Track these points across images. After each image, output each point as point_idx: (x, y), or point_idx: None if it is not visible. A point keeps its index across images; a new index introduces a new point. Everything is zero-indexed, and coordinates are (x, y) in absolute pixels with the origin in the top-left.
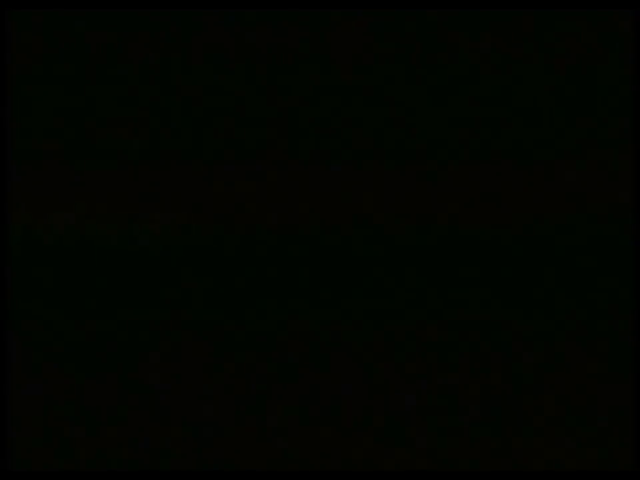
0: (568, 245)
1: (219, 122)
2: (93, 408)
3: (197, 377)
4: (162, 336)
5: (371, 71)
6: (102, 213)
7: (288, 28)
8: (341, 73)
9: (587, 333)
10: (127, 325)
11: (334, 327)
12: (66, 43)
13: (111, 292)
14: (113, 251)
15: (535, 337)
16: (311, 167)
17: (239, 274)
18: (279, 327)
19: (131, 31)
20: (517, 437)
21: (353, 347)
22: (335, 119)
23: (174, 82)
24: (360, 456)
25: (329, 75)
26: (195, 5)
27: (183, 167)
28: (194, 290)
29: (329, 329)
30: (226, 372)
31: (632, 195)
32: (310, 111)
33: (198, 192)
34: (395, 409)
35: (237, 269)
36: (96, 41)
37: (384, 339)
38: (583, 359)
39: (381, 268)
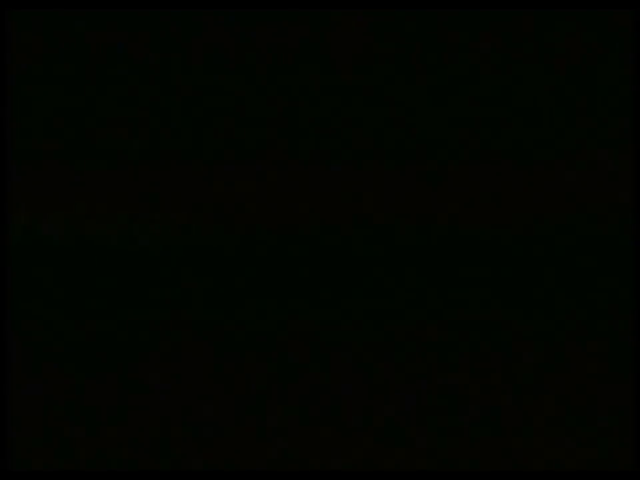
0: (568, 245)
1: (219, 122)
2: (92, 408)
3: (197, 376)
4: (162, 336)
5: (371, 70)
6: (102, 213)
7: (288, 28)
8: (341, 72)
9: (587, 333)
10: (126, 325)
11: (334, 327)
12: (66, 42)
13: (111, 292)
14: (112, 251)
15: (535, 336)
16: (310, 166)
17: (239, 274)
18: (278, 326)
19: (131, 30)
20: (517, 436)
21: (353, 346)
22: (335, 119)
23: (174, 82)
24: (360, 456)
25: (329, 74)
26: (194, 4)
27: (182, 167)
28: (194, 290)
29: (328, 329)
30: (226, 372)
31: (632, 195)
32: (310, 110)
33: (198, 192)
34: (395, 409)
35: (237, 268)
36: (96, 41)
37: (384, 339)
38: (583, 359)
39: (380, 268)
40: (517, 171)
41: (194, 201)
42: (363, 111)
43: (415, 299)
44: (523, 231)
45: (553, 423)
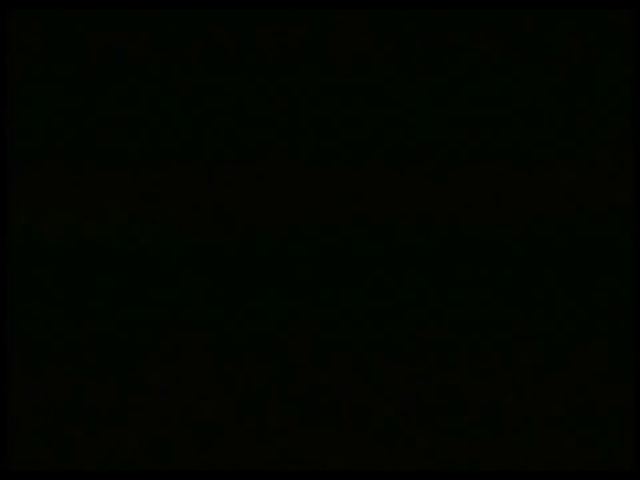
0: (568, 245)
1: (219, 122)
2: (92, 408)
3: (197, 376)
4: (162, 336)
5: (371, 70)
6: (102, 213)
7: (288, 28)
8: (341, 72)
9: (587, 333)
10: (126, 325)
11: (334, 327)
12: (66, 42)
13: (111, 292)
14: (112, 251)
15: (535, 336)
16: (310, 166)
17: (239, 274)
18: (278, 326)
19: (131, 30)
20: (517, 436)
21: (353, 346)
22: (335, 119)
23: (174, 82)
24: (360, 456)
25: (329, 74)
26: (195, 4)
27: (182, 167)
28: (194, 290)
29: (329, 329)
30: (226, 372)
31: (632, 195)
32: (310, 110)
33: (198, 192)
34: (395, 409)
35: (237, 268)
36: (96, 41)
37: (384, 339)
38: (583, 359)
39: (380, 268)
40: (517, 170)
41: (194, 201)
42: (363, 110)
43: (414, 299)
44: (523, 231)
45: (553, 422)
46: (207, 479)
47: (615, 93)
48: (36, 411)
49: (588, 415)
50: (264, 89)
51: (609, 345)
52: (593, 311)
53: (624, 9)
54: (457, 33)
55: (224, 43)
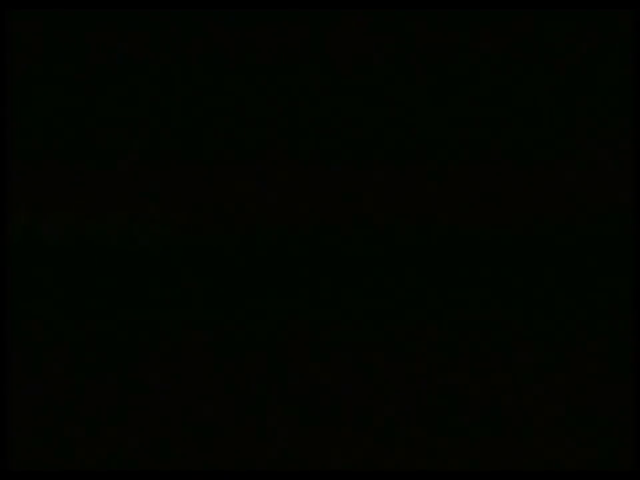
0: (568, 245)
1: (219, 122)
2: (93, 408)
3: (197, 376)
4: (162, 336)
5: (371, 70)
6: (102, 213)
7: (288, 28)
8: (341, 72)
9: (587, 333)
10: (127, 325)
11: (334, 327)
12: (66, 42)
13: (111, 292)
14: (112, 251)
15: (535, 336)
16: (310, 166)
17: (239, 274)
18: (278, 326)
19: (131, 30)
20: (517, 436)
21: (353, 347)
22: (335, 119)
23: (174, 82)
24: (360, 456)
25: (329, 74)
26: (195, 4)
27: (182, 167)
28: (194, 290)
29: (329, 329)
30: (226, 372)
31: (632, 195)
32: (310, 110)
33: (198, 192)
34: (395, 409)
35: (237, 268)
36: (96, 41)
37: (384, 339)
38: (583, 359)
39: (380, 268)
40: (517, 170)
41: (194, 201)
42: (363, 110)
43: (415, 299)
44: (523, 231)
45: (553, 422)
46: (206, 479)
47: (615, 92)
48: (36, 411)
49: (588, 415)
50: (264, 89)
51: (608, 345)
52: (592, 311)
53: (624, 9)
54: (456, 33)
55: (224, 42)
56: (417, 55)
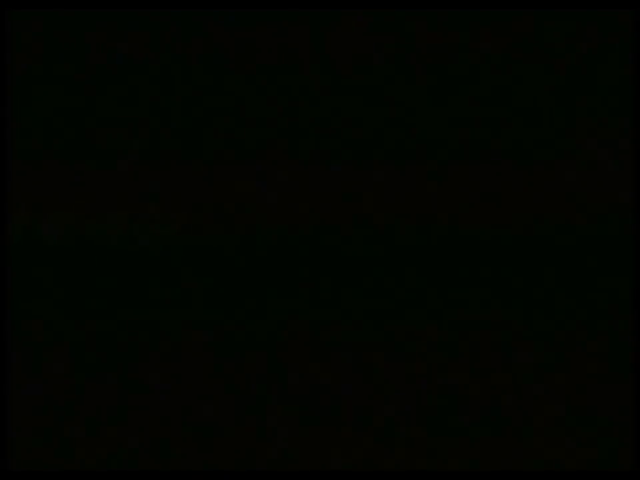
0: (568, 245)
1: (219, 122)
2: (93, 408)
3: (197, 376)
4: (162, 336)
5: (371, 71)
6: (102, 213)
7: (288, 28)
8: (341, 73)
9: (587, 333)
10: (127, 325)
11: (334, 327)
12: (66, 42)
13: (111, 292)
14: (113, 251)
15: (535, 336)
16: (311, 166)
17: (239, 274)
18: (279, 326)
19: (131, 30)
20: (517, 436)
21: (353, 347)
22: (335, 119)
23: (174, 82)
24: (360, 456)
25: (329, 74)
26: (195, 5)
27: (182, 167)
28: (194, 290)
29: (329, 329)
30: (226, 372)
31: (632, 195)
32: (310, 110)
33: (198, 192)
34: (395, 409)
35: (237, 268)
36: (96, 41)
37: (384, 339)
38: (583, 359)
39: (381, 268)
40: (517, 170)
41: (194, 201)
42: (363, 110)
43: (415, 299)
44: (523, 231)
45: (553, 422)
46: (206, 479)
47: (615, 92)
48: (36, 411)
49: (588, 415)
50: (264, 89)
51: (608, 345)
52: (592, 311)
53: (624, 9)
54: (457, 33)
55: (224, 42)
56: (417, 55)
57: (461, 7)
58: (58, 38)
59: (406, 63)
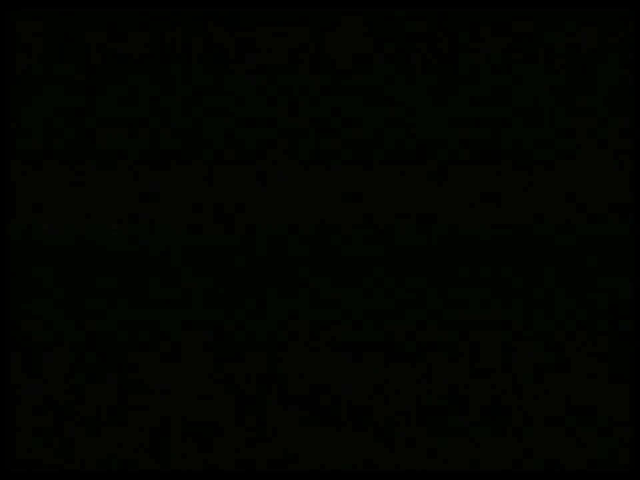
0: (568, 245)
1: (219, 122)
2: (93, 408)
3: (197, 376)
4: (162, 336)
5: (371, 71)
6: (102, 213)
7: (288, 28)
8: (341, 73)
9: (587, 332)
10: (127, 325)
11: (334, 327)
12: (66, 43)
13: (111, 292)
14: (113, 251)
15: (535, 336)
16: (310, 167)
17: (239, 274)
18: (278, 326)
19: (131, 30)
20: (517, 436)
21: (353, 346)
22: (335, 119)
23: (174, 82)
24: (360, 456)
25: (329, 74)
26: (195, 4)
27: (182, 167)
28: (194, 290)
29: (329, 329)
30: (226, 372)
31: (632, 195)
32: (310, 110)
33: (198, 192)
34: (395, 409)
35: (237, 268)
36: (96, 41)
37: (384, 339)
38: (583, 359)
39: (381, 268)
40: (517, 170)
41: (194, 201)
42: (363, 110)
43: (415, 299)
44: (523, 231)
45: (553, 422)
46: (206, 479)
47: (615, 92)
48: (36, 411)
49: (588, 415)
50: (264, 89)
51: (608, 345)
52: (592, 311)
53: (624, 9)
54: (457, 33)
55: (224, 42)
56: (417, 55)
57: (461, 6)
58: (58, 38)
59: (406, 63)
